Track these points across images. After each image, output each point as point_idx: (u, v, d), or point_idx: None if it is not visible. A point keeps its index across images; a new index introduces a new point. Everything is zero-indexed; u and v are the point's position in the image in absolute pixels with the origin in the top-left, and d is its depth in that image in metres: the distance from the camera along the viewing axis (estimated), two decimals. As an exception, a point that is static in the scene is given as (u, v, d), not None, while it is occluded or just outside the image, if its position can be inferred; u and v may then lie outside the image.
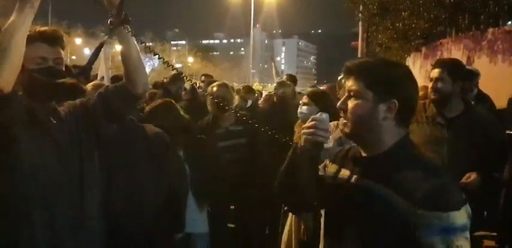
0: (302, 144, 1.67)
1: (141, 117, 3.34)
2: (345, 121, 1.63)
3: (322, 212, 2.87)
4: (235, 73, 70.06)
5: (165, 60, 2.23)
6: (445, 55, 10.30)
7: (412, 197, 1.42)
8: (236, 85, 7.79)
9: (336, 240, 1.66)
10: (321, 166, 1.83)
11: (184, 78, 2.18)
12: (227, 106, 4.00)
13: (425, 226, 1.40)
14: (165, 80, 8.63)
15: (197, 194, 3.49)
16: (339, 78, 3.88)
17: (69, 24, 43.41)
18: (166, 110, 3.41)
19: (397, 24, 12.95)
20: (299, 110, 3.67)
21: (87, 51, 38.15)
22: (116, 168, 2.77)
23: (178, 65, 57.66)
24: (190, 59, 62.95)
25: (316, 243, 1.86)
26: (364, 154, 1.65)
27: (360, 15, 14.59)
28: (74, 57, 38.80)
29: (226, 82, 4.67)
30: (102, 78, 5.59)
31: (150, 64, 44.40)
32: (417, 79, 1.68)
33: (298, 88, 7.53)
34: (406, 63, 16.40)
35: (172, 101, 3.56)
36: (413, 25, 12.30)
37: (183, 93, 6.02)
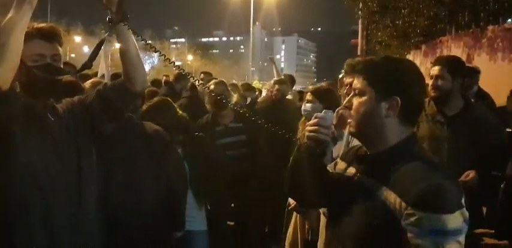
0: (306, 142, 1.68)
1: (140, 114, 3.33)
2: (349, 120, 1.63)
3: (321, 210, 2.88)
4: (235, 71, 69.95)
5: (166, 57, 2.23)
6: (445, 53, 10.31)
7: (406, 195, 1.41)
8: (235, 83, 7.79)
9: (332, 235, 1.68)
10: (332, 164, 1.84)
11: (186, 75, 2.17)
12: (225, 104, 3.99)
13: (416, 226, 1.38)
14: (165, 78, 8.64)
15: (196, 192, 3.49)
16: (340, 76, 3.87)
17: (68, 22, 43.41)
18: (163, 108, 3.40)
19: (397, 22, 12.96)
20: (303, 108, 3.65)
21: (87, 49, 38.15)
22: (115, 164, 2.77)
23: (177, 63, 57.71)
24: (190, 57, 62.89)
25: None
26: (368, 152, 1.65)
27: (360, 12, 14.58)
28: (73, 55, 38.75)
29: (224, 80, 4.67)
30: (103, 76, 5.59)
31: (150, 62, 44.40)
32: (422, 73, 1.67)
33: (298, 87, 7.54)
34: (406, 61, 16.40)
35: (169, 99, 3.56)
36: (413, 23, 12.31)
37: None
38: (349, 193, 1.61)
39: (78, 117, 2.18)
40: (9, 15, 1.78)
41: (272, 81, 7.00)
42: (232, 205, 4.50)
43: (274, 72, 7.81)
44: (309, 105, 3.56)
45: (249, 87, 7.59)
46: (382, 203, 1.47)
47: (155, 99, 3.59)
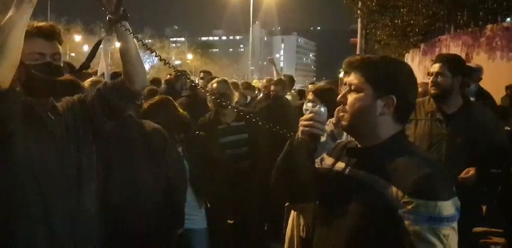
0: (299, 136, 1.70)
1: (140, 113, 3.34)
2: (341, 113, 1.66)
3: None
4: (234, 70, 69.92)
5: (161, 58, 2.23)
6: (444, 51, 10.32)
7: (402, 185, 1.47)
8: (236, 81, 7.82)
9: (327, 230, 1.69)
10: (318, 159, 1.86)
11: (182, 74, 2.18)
12: (227, 103, 3.99)
13: (413, 213, 1.43)
14: (169, 76, 8.65)
15: (197, 190, 3.50)
16: (340, 75, 3.88)
17: (68, 20, 43.37)
18: (164, 107, 3.41)
19: (396, 21, 12.96)
20: (304, 107, 3.66)
21: (86, 48, 38.05)
22: (114, 162, 2.78)
23: (177, 62, 57.55)
24: (190, 56, 62.86)
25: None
26: (359, 146, 1.69)
27: (359, 12, 14.57)
28: (73, 54, 38.69)
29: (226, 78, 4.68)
30: (102, 74, 5.60)
31: (150, 61, 44.29)
32: (416, 76, 1.70)
33: (297, 85, 7.56)
34: (405, 60, 16.42)
35: (169, 98, 3.57)
36: (412, 22, 12.31)
37: (185, 89, 6.05)
38: (341, 187, 1.65)
39: (78, 115, 2.19)
40: (9, 14, 1.79)
41: (264, 80, 7.06)
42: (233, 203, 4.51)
43: (274, 73, 7.84)
44: (310, 104, 3.56)
45: (248, 86, 7.61)
46: (379, 193, 1.51)
47: (156, 97, 3.59)
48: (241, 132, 4.32)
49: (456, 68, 3.30)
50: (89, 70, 5.24)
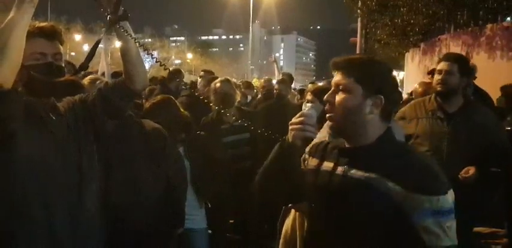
0: (290, 140, 1.71)
1: (140, 113, 3.33)
2: (329, 114, 1.68)
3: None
4: (234, 69, 69.91)
5: (153, 57, 2.24)
6: (444, 51, 10.32)
7: (405, 183, 1.51)
8: (235, 81, 7.83)
9: (323, 228, 1.71)
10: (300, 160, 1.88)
11: (176, 76, 2.21)
12: (230, 102, 3.99)
13: (418, 209, 1.49)
14: (161, 77, 8.64)
15: (198, 190, 3.50)
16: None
17: (68, 19, 43.35)
18: (166, 107, 3.40)
19: (396, 20, 12.97)
20: (303, 107, 3.66)
21: (87, 48, 38.02)
22: (115, 162, 2.78)
23: (177, 61, 57.52)
24: (190, 55, 62.85)
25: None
26: (348, 146, 1.71)
27: (359, 11, 14.58)
28: (73, 54, 38.66)
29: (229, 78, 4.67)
30: (103, 74, 5.60)
31: (150, 61, 44.24)
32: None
33: (297, 85, 7.58)
34: (405, 59, 16.43)
35: (172, 97, 3.56)
36: (412, 21, 12.32)
37: (184, 89, 6.05)
38: (335, 187, 1.66)
39: (79, 115, 2.19)
40: (11, 14, 1.79)
41: (263, 80, 7.08)
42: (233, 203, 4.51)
43: (276, 72, 7.85)
44: (309, 104, 3.56)
45: (249, 85, 7.61)
46: (381, 191, 1.54)
47: (158, 97, 3.58)
48: (244, 131, 4.31)
49: (465, 69, 3.34)
50: (89, 70, 5.25)
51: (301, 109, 1.88)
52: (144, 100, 4.02)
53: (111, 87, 2.20)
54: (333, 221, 1.66)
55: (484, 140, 3.20)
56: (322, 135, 2.55)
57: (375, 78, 1.63)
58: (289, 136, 1.72)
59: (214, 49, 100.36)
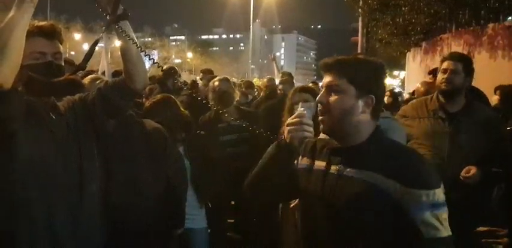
0: (288, 141, 1.72)
1: (140, 112, 3.32)
2: (322, 117, 1.70)
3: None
4: (235, 69, 69.92)
5: (150, 58, 2.23)
6: (445, 50, 10.32)
7: (401, 178, 1.56)
8: (235, 80, 7.85)
9: (318, 225, 1.72)
10: None
11: (171, 74, 2.21)
12: (229, 101, 3.98)
13: (416, 203, 1.54)
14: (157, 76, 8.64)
15: (198, 190, 3.49)
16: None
17: (68, 18, 43.38)
18: (166, 106, 3.39)
19: (397, 20, 12.96)
20: (298, 107, 3.63)
21: (86, 47, 38.00)
22: (115, 162, 2.77)
23: (177, 60, 57.51)
24: (190, 55, 62.88)
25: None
26: (339, 145, 1.73)
27: (360, 10, 14.57)
28: (72, 53, 38.68)
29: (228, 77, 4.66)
30: (103, 73, 5.59)
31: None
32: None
33: (297, 84, 7.59)
34: (406, 59, 16.43)
35: (172, 96, 3.55)
36: (413, 20, 12.32)
37: (184, 88, 6.04)
38: (330, 186, 1.68)
39: (79, 115, 2.18)
40: (11, 13, 1.79)
41: (265, 80, 7.07)
42: (232, 202, 4.50)
43: (275, 71, 7.85)
44: (301, 105, 3.54)
45: (250, 85, 7.61)
46: (379, 189, 1.57)
47: (158, 96, 3.57)
48: (242, 130, 4.30)
49: (469, 68, 3.32)
50: (90, 69, 5.24)
51: None
52: (144, 99, 4.01)
53: (111, 86, 2.20)
54: (329, 219, 1.68)
55: (486, 140, 3.19)
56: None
57: (366, 78, 1.67)
58: (287, 136, 1.72)
59: (215, 48, 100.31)
